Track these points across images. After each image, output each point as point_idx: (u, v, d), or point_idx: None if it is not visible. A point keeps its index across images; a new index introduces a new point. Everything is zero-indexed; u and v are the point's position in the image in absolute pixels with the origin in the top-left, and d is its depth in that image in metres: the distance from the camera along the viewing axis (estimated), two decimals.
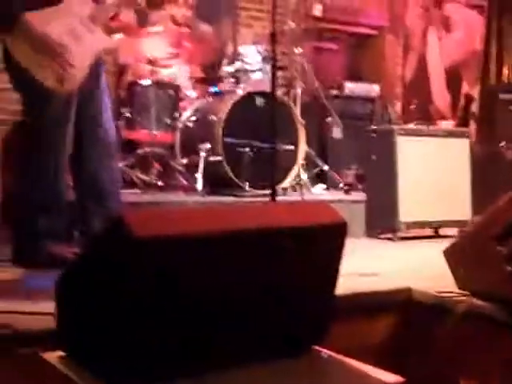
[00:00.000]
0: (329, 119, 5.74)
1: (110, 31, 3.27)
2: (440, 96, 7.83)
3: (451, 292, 2.61)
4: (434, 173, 4.39)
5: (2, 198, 4.69)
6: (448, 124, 6.44)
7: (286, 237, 1.89)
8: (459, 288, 2.60)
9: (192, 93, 5.39)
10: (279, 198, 4.42)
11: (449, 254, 2.67)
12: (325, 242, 1.98)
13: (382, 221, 4.37)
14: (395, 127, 4.44)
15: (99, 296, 1.67)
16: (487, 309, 2.47)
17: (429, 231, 4.50)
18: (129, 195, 4.44)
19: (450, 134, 4.58)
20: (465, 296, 2.56)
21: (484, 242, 2.51)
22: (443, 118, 7.63)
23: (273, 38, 2.93)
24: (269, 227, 1.85)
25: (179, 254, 1.65)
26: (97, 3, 3.12)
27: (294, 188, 4.94)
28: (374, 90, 6.27)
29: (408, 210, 4.26)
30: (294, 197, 4.69)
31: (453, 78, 7.89)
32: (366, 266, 3.19)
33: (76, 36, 3.01)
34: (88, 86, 3.15)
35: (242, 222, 1.83)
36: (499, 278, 2.41)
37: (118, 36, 3.21)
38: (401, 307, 2.75)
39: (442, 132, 4.57)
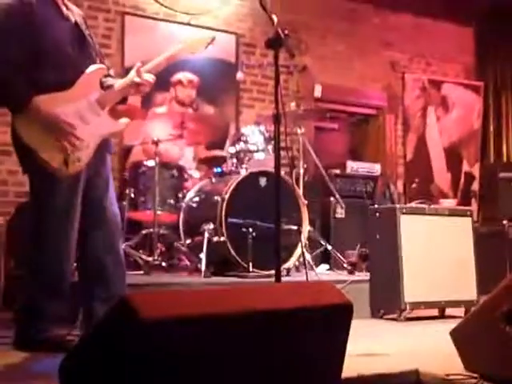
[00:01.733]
0: (331, 198, 5.78)
1: (116, 115, 3.32)
2: (441, 175, 7.91)
3: (459, 374, 2.56)
4: (437, 252, 4.38)
5: (4, 282, 4.68)
6: (450, 203, 6.48)
7: (292, 318, 1.89)
8: (467, 370, 2.56)
9: (196, 173, 5.45)
10: (283, 279, 4.41)
11: (456, 334, 2.64)
12: (330, 323, 1.98)
13: (387, 301, 4.33)
14: (397, 206, 4.44)
15: (105, 378, 1.66)
16: None
17: (434, 311, 4.45)
18: (132, 276, 4.43)
19: (452, 213, 4.58)
20: (473, 378, 2.50)
21: (491, 321, 2.48)
22: (444, 196, 7.68)
23: (276, 119, 2.97)
24: (274, 309, 1.85)
25: (183, 335, 1.65)
26: (104, 89, 3.19)
27: (297, 268, 4.93)
28: (375, 168, 6.33)
29: (413, 289, 4.23)
30: (297, 277, 4.66)
31: (453, 157, 8.00)
32: (372, 348, 3.15)
33: (83, 119, 3.07)
34: (94, 168, 3.19)
35: (247, 303, 1.83)
36: (508, 359, 2.38)
37: (124, 120, 3.25)
38: None
39: (444, 211, 4.57)
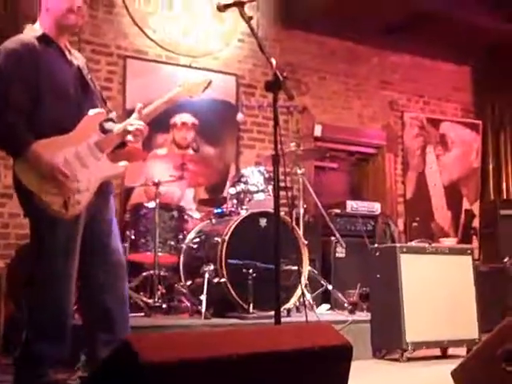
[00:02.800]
0: (332, 238, 5.78)
1: (116, 157, 3.36)
2: (441, 213, 7.92)
3: None
4: (438, 290, 4.37)
5: (4, 326, 4.67)
6: (451, 241, 6.49)
7: (292, 360, 1.89)
8: None
9: (196, 214, 5.47)
10: (283, 320, 4.40)
11: (457, 374, 2.64)
12: (330, 364, 1.98)
13: (388, 341, 4.31)
14: (398, 245, 4.46)
15: None
16: None
17: (436, 351, 4.43)
18: (133, 319, 4.41)
19: (452, 251, 4.59)
20: None
21: (492, 361, 2.48)
22: (445, 234, 7.68)
23: (275, 160, 3.00)
24: (274, 351, 1.86)
25: (184, 379, 1.65)
26: (104, 133, 3.23)
27: (297, 309, 4.91)
28: (375, 207, 6.35)
29: (414, 329, 4.22)
30: (298, 317, 4.64)
31: (453, 195, 8.02)
32: None
33: (83, 162, 3.10)
34: (96, 210, 3.21)
35: (247, 346, 1.83)
36: None
37: (124, 163, 3.28)
38: None
39: (444, 249, 4.58)
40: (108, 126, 3.28)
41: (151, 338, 1.77)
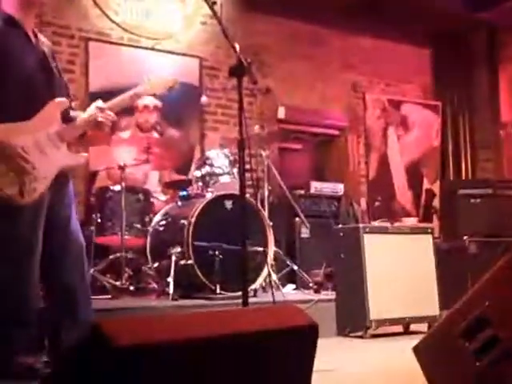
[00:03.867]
0: (296, 219, 5.86)
1: (79, 143, 3.36)
2: (402, 192, 8.06)
3: None
4: (401, 269, 4.49)
5: None
6: (412, 221, 6.61)
7: (260, 341, 1.94)
8: None
9: (162, 196, 5.50)
10: (250, 300, 4.47)
11: (418, 351, 2.71)
12: (297, 344, 2.04)
13: (352, 319, 4.41)
14: (361, 225, 4.55)
15: None
16: None
17: (399, 328, 4.55)
18: (100, 301, 4.45)
19: (413, 231, 4.70)
20: None
21: (451, 338, 2.56)
22: (407, 213, 7.82)
23: (241, 143, 3.05)
24: (243, 332, 1.91)
25: (157, 361, 1.69)
26: (66, 122, 3.22)
27: (264, 289, 4.99)
28: (339, 188, 6.45)
29: (377, 307, 4.33)
30: (264, 298, 4.72)
31: (414, 175, 8.16)
32: (338, 366, 3.21)
33: (41, 150, 3.08)
34: (56, 197, 3.21)
35: (217, 327, 1.88)
36: (469, 374, 2.46)
37: (84, 154, 3.30)
38: None
39: (406, 229, 4.69)
40: (71, 114, 3.28)
41: (121, 321, 1.79)
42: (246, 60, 3.00)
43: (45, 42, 3.34)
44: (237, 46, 3.03)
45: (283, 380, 2.01)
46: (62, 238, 3.24)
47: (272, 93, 6.89)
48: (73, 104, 3.37)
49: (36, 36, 3.26)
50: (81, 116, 3.27)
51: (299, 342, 2.05)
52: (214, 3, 3.14)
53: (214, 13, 3.12)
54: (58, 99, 3.21)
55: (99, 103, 3.26)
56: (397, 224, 4.75)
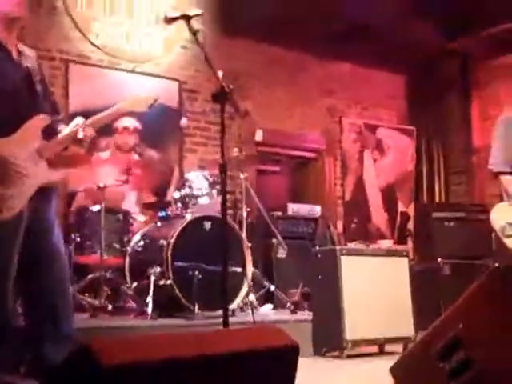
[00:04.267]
0: (273, 240, 5.93)
1: (58, 163, 3.39)
2: (378, 214, 8.18)
3: None
4: (376, 291, 4.57)
5: None
6: (388, 243, 6.72)
7: (242, 361, 2.00)
8: None
9: (140, 217, 5.54)
10: (230, 320, 4.51)
11: (395, 371, 2.78)
12: (278, 365, 2.10)
13: (329, 339, 4.48)
14: (338, 248, 4.63)
15: None
16: None
17: (374, 348, 4.62)
18: (79, 320, 4.46)
19: (389, 253, 4.80)
20: None
21: (427, 358, 2.62)
22: (382, 235, 7.94)
23: (222, 166, 3.12)
24: (226, 352, 1.96)
25: (144, 380, 1.74)
26: (46, 139, 3.26)
27: (241, 309, 5.04)
28: (315, 210, 6.54)
29: (353, 327, 4.40)
30: (242, 317, 4.78)
31: (389, 197, 8.30)
32: None
33: (20, 167, 3.12)
34: (36, 212, 3.23)
35: (200, 348, 1.94)
36: None
37: (64, 171, 3.33)
38: None
39: (381, 251, 4.79)
40: (59, 128, 3.33)
41: (109, 341, 1.85)
42: (228, 87, 3.08)
43: (30, 55, 3.37)
44: (220, 73, 3.11)
45: None
46: (43, 252, 3.27)
47: (250, 115, 6.99)
48: (61, 116, 3.41)
49: (19, 52, 3.30)
50: (62, 132, 3.32)
51: (280, 363, 2.10)
52: (197, 31, 3.23)
53: (197, 40, 3.20)
54: (39, 116, 3.24)
55: (79, 119, 3.31)
56: (373, 246, 4.84)
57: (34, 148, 3.17)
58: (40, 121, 3.21)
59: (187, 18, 3.23)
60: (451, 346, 2.56)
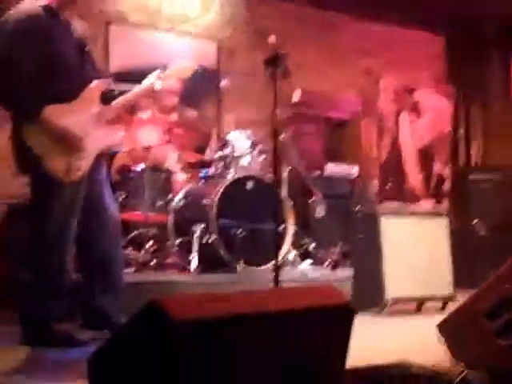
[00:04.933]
0: (312, 199, 5.99)
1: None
2: (413, 176, 8.17)
3: (446, 364, 2.77)
4: (416, 250, 4.63)
5: None
6: (427, 204, 6.74)
7: (304, 318, 2.06)
8: (454, 360, 2.77)
9: (182, 176, 5.62)
10: (269, 277, 4.61)
11: (443, 328, 2.84)
12: (336, 323, 2.16)
13: (369, 296, 4.55)
14: (378, 208, 4.69)
15: (134, 376, 1.79)
16: (482, 381, 2.63)
17: (413, 306, 4.69)
18: (124, 275, 4.57)
19: (429, 214, 4.84)
20: (460, 367, 2.71)
21: (476, 317, 2.69)
22: (417, 197, 7.94)
23: (275, 132, 3.17)
24: (287, 310, 2.03)
25: (212, 335, 1.80)
26: (104, 104, 3.36)
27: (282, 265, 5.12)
28: (353, 170, 6.57)
29: (393, 285, 4.47)
30: (284, 275, 4.86)
31: (425, 159, 8.26)
32: (360, 341, 3.33)
33: (84, 131, 3.23)
34: (93, 175, 3.36)
35: (262, 305, 2.00)
36: (491, 352, 2.60)
37: (121, 134, 3.45)
38: (399, 381, 2.89)
39: (421, 212, 4.84)
40: (109, 96, 3.43)
41: (177, 298, 1.91)
42: (280, 52, 3.11)
43: (78, 26, 3.47)
44: (272, 38, 3.13)
45: (323, 355, 2.13)
46: (97, 210, 3.40)
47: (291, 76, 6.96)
48: (108, 81, 3.51)
49: (69, 21, 3.39)
50: (118, 98, 3.42)
51: (338, 322, 2.16)
52: None
53: None
54: (97, 81, 3.34)
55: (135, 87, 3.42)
56: (413, 207, 4.88)
57: (94, 113, 3.28)
58: (98, 86, 3.32)
59: None
60: (500, 305, 2.63)
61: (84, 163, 3.24)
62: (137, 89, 3.44)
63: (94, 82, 3.34)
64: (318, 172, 6.35)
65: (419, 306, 4.71)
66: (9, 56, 3.11)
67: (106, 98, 3.42)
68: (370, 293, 4.54)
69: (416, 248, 4.64)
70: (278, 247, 4.85)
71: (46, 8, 3.25)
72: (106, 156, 3.57)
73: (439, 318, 2.89)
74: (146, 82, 3.49)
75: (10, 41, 3.13)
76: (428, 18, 8.04)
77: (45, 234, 3.27)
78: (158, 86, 3.43)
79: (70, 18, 3.39)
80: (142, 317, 1.80)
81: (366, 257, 4.63)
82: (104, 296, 3.41)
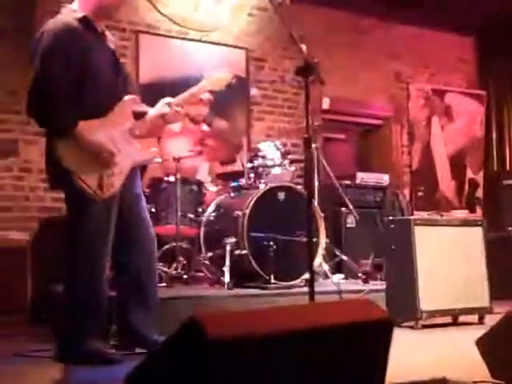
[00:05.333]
0: (342, 209, 5.94)
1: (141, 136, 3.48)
2: (445, 182, 8.07)
3: (486, 381, 2.71)
4: (451, 261, 4.55)
5: (31, 295, 4.84)
6: (462, 213, 6.65)
7: (341, 334, 2.04)
8: (493, 377, 2.71)
9: (213, 187, 5.61)
10: (301, 290, 4.58)
11: (482, 344, 2.79)
12: (375, 338, 2.13)
13: (403, 310, 4.48)
14: (412, 218, 4.62)
15: None
16: None
17: (448, 319, 4.62)
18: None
19: (463, 223, 4.76)
20: None
21: None
22: (450, 204, 7.85)
23: (307, 141, 3.14)
24: (325, 325, 2.00)
25: (248, 353, 1.79)
26: (136, 119, 3.36)
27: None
28: (384, 179, 6.51)
29: (428, 298, 4.39)
30: (317, 287, 4.81)
31: (457, 165, 8.16)
32: (397, 356, 3.29)
33: (116, 147, 3.23)
34: (129, 190, 3.35)
35: (301, 321, 1.98)
36: None
37: (154, 149, 3.45)
38: None
39: (456, 221, 4.75)
40: (140, 109, 3.42)
41: (215, 315, 1.90)
42: (313, 61, 3.09)
43: (111, 38, 3.47)
44: (303, 47, 3.11)
45: (363, 374, 2.10)
46: (134, 224, 3.39)
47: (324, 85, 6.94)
48: (139, 98, 3.50)
49: (104, 34, 3.39)
50: (150, 112, 3.41)
51: (377, 337, 2.14)
52: (281, 4, 3.23)
53: (280, 13, 3.20)
54: (129, 96, 3.34)
55: (167, 99, 3.41)
56: (447, 216, 4.81)
57: (126, 128, 3.27)
58: (131, 101, 3.32)
59: None
60: None
61: (117, 179, 3.24)
62: (162, 104, 3.42)
63: (128, 97, 3.33)
64: (348, 181, 6.30)
65: (455, 319, 4.64)
66: (45, 70, 3.10)
67: (139, 112, 3.41)
68: (403, 306, 4.47)
69: (450, 258, 4.56)
70: (312, 260, 4.85)
71: (83, 20, 3.24)
72: (141, 170, 3.56)
73: (476, 331, 2.84)
74: (181, 96, 3.48)
75: (46, 54, 3.13)
76: (459, 19, 7.93)
77: (79, 249, 3.27)
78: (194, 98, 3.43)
79: (104, 29, 3.39)
80: (180, 335, 1.80)
81: (398, 268, 4.56)
82: (138, 314, 3.39)
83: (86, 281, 3.27)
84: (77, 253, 3.28)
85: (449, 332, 4.35)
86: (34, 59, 3.13)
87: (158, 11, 6.60)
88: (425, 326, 4.40)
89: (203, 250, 5.06)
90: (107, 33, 3.44)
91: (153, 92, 3.50)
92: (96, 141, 3.13)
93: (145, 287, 3.41)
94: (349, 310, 2.18)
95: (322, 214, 5.03)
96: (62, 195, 3.37)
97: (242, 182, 5.23)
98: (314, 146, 5.54)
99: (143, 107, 3.46)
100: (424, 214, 5.20)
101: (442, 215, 4.77)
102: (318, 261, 4.89)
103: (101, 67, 3.26)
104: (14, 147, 5.73)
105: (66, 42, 3.14)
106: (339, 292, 3.92)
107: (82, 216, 3.24)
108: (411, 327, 4.39)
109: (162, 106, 3.40)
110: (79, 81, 3.15)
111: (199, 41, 6.78)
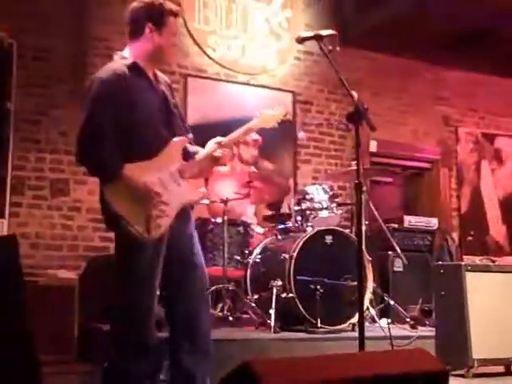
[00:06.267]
0: (389, 252, 5.87)
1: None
2: (496, 226, 7.94)
3: None
4: (503, 308, 4.44)
5: (78, 333, 4.87)
6: None
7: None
8: None
9: (259, 229, 5.61)
10: (349, 334, 4.51)
11: None
12: None
13: (454, 357, 4.37)
14: (463, 263, 4.53)
15: None
16: None
17: (500, 368, 4.49)
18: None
19: None
20: None
21: None
22: (500, 248, 7.70)
23: (358, 186, 3.12)
24: (381, 375, 1.97)
25: None
26: (186, 159, 3.38)
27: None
28: (432, 222, 6.42)
29: (480, 346, 4.29)
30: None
31: (508, 209, 8.03)
32: None
33: (165, 188, 3.24)
34: (178, 228, 3.35)
35: (352, 370, 1.95)
36: None
37: (203, 190, 3.45)
38: None
39: (508, 267, 4.65)
40: (191, 150, 3.44)
41: (269, 361, 1.89)
42: (363, 106, 3.08)
43: (163, 79, 3.52)
44: (354, 94, 3.12)
45: None
46: (185, 265, 3.37)
47: (364, 126, 6.95)
48: (190, 136, 3.52)
49: (156, 76, 3.44)
50: (200, 152, 3.43)
51: None
52: (331, 51, 3.25)
53: (331, 61, 3.22)
54: (178, 138, 3.37)
55: (218, 139, 3.42)
56: (499, 262, 4.71)
57: (175, 169, 3.29)
58: (179, 142, 3.34)
59: (320, 38, 3.26)
60: None
61: (165, 220, 3.24)
62: (211, 144, 3.43)
63: (176, 140, 3.36)
64: (395, 224, 6.23)
65: (507, 368, 4.50)
66: (91, 116, 3.15)
67: (188, 152, 3.43)
68: (454, 353, 4.36)
69: (503, 306, 4.45)
70: (361, 305, 4.79)
71: (132, 66, 3.30)
72: (192, 210, 3.55)
73: None
74: (232, 134, 3.48)
75: (94, 101, 3.18)
76: (505, 63, 7.88)
77: (128, 290, 3.27)
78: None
79: (156, 72, 3.44)
80: (233, 380, 1.79)
81: (449, 314, 4.47)
82: (191, 357, 3.34)
83: (135, 319, 3.26)
84: (126, 292, 3.29)
85: (501, 381, 4.23)
86: (84, 105, 3.20)
87: (207, 55, 6.72)
88: (476, 375, 4.29)
89: (249, 292, 5.04)
90: (159, 74, 3.48)
91: (199, 134, 3.48)
92: (142, 182, 3.16)
93: (198, 329, 3.35)
94: (403, 359, 2.15)
95: (370, 258, 4.98)
96: (110, 234, 3.40)
97: (289, 224, 5.22)
98: (364, 188, 5.54)
99: (194, 147, 3.48)
100: (473, 259, 5.11)
101: (493, 261, 4.68)
102: (365, 305, 4.81)
103: (148, 112, 3.28)
104: (66, 187, 5.84)
105: (113, 89, 3.18)
106: (390, 338, 3.81)
107: (131, 256, 3.25)
108: (462, 375, 4.28)
109: (211, 147, 3.41)
110: (127, 128, 3.19)
111: (247, 84, 6.87)
